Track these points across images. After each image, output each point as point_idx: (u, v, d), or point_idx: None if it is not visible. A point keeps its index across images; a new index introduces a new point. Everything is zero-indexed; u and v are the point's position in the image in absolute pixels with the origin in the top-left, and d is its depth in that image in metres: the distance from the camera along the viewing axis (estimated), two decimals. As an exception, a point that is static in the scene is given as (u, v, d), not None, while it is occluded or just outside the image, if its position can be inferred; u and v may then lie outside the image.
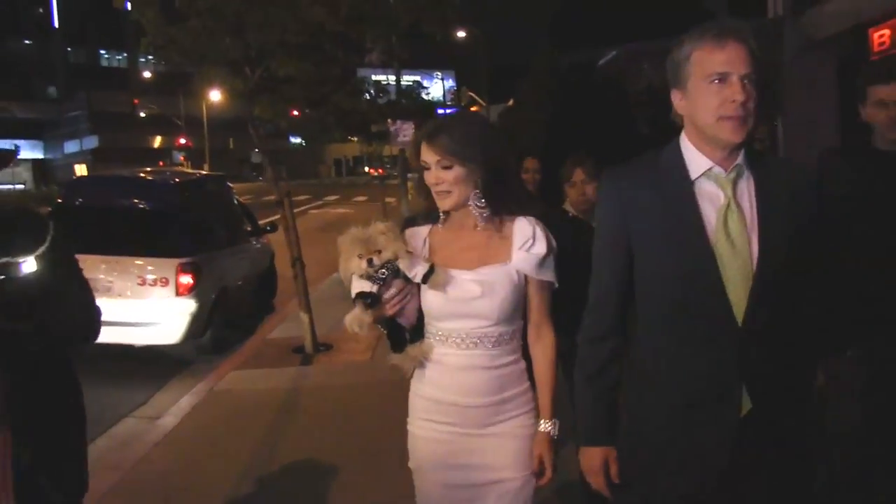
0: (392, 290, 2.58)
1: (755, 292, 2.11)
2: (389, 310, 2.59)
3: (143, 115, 65.93)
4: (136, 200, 8.65)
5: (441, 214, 2.63)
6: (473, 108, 42.80)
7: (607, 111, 16.03)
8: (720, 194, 2.16)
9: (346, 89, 8.49)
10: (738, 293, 2.11)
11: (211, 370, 7.65)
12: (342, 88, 8.40)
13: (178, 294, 7.78)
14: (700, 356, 2.15)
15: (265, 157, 7.70)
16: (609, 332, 2.32)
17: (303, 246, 8.32)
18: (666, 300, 2.21)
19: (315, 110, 8.31)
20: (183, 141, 63.84)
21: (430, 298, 2.57)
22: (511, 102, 23.88)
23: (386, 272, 2.57)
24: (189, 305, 7.83)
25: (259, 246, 11.01)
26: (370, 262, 2.53)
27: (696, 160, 2.19)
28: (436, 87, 78.66)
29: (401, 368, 2.67)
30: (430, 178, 2.58)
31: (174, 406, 6.54)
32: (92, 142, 68.32)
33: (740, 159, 2.17)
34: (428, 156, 2.56)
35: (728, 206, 2.14)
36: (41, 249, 2.37)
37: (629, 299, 2.30)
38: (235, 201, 10.81)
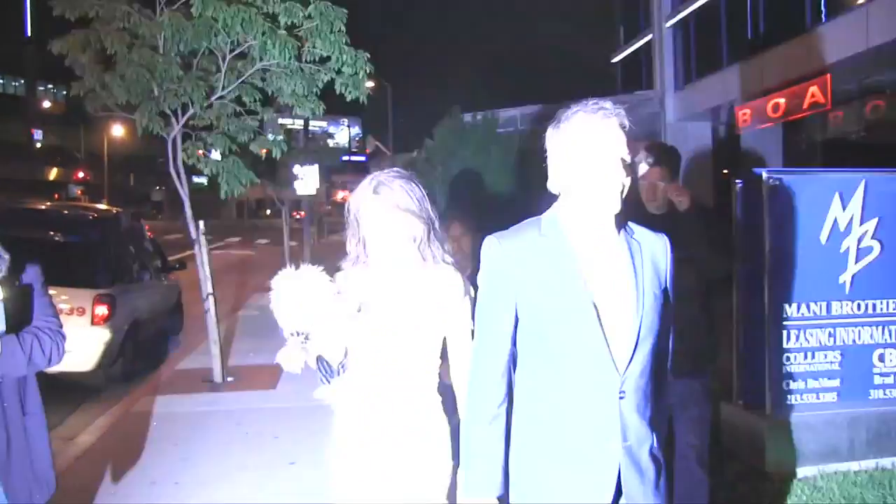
0: (323, 327, 2.76)
1: (635, 345, 2.28)
2: (320, 348, 2.79)
3: (39, 146, 64.35)
4: (53, 232, 9.05)
5: (375, 262, 2.82)
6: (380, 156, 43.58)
7: (505, 168, 17.03)
8: (600, 259, 2.32)
9: (261, 139, 9.07)
10: (618, 347, 2.26)
11: (122, 396, 8.06)
12: (257, 138, 8.97)
13: (93, 323, 8.18)
14: (583, 406, 2.28)
15: (186, 196, 8.20)
16: (496, 384, 2.39)
17: (198, 293, 8.84)
18: (552, 357, 2.32)
19: (229, 156, 8.87)
20: (81, 174, 62.50)
21: (360, 335, 2.76)
22: (415, 153, 24.73)
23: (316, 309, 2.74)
24: (103, 335, 8.24)
25: (167, 283, 11.43)
26: (300, 305, 2.72)
27: (575, 227, 2.34)
28: (342, 134, 79.27)
29: (324, 400, 2.85)
30: (370, 227, 2.76)
31: (91, 426, 6.95)
32: (-18, 171, 66.01)
33: (615, 228, 2.36)
34: (370, 206, 2.75)
35: (608, 269, 2.32)
36: (1, 275, 2.60)
37: (513, 349, 2.40)
38: (147, 238, 11.24)
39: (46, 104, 67.47)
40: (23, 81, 71.78)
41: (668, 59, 21.58)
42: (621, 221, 2.38)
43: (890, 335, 5.35)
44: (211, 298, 8.51)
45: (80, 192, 63.89)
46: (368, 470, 2.75)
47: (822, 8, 15.73)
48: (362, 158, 68.85)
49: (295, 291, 2.72)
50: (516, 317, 2.36)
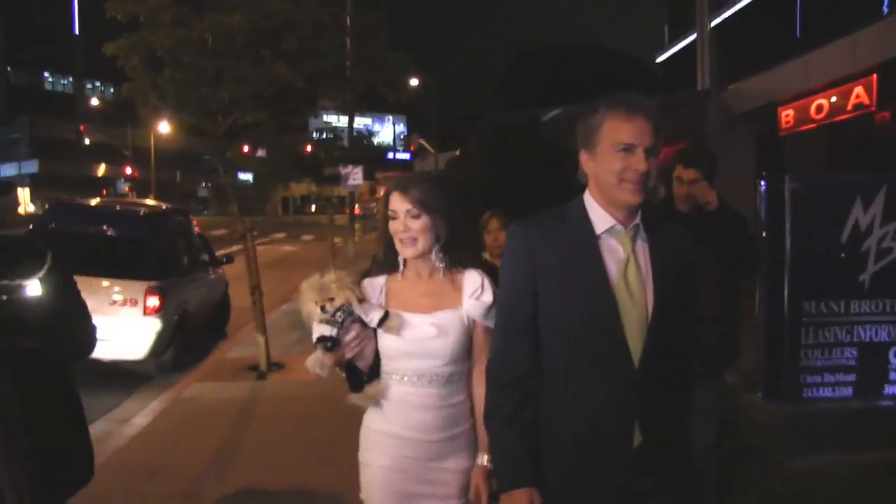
0: (351, 335, 2.78)
1: (650, 338, 2.34)
2: (348, 353, 2.80)
3: (87, 142, 65.66)
4: (108, 227, 9.51)
5: (400, 264, 2.86)
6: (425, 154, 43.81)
7: (545, 167, 17.24)
8: (621, 250, 2.39)
9: (303, 137, 9.43)
10: (634, 338, 2.34)
11: (173, 383, 8.47)
12: (300, 136, 9.34)
13: (145, 314, 8.60)
14: (600, 394, 2.35)
15: (234, 193, 8.59)
16: (520, 376, 2.42)
17: (246, 286, 9.23)
18: (569, 344, 2.38)
19: (273, 154, 9.24)
20: (129, 171, 63.67)
21: (388, 340, 2.78)
22: (458, 152, 25.01)
23: (342, 316, 2.77)
24: (155, 325, 8.65)
25: (214, 276, 11.85)
26: (323, 308, 2.75)
27: (600, 217, 2.41)
28: (386, 131, 79.78)
29: (359, 406, 2.89)
30: (397, 225, 2.78)
31: (145, 409, 7.37)
32: (32, 166, 67.47)
33: (638, 219, 2.41)
34: (398, 205, 2.77)
35: (628, 260, 2.38)
36: (39, 274, 2.64)
37: (536, 344, 2.43)
38: (196, 233, 11.68)
39: (94, 101, 68.78)
40: (71, 79, 73.48)
41: (710, 59, 21.62)
42: (648, 214, 2.45)
43: (906, 333, 5.53)
44: (257, 292, 8.88)
45: (127, 188, 65.18)
46: (397, 475, 2.79)
47: (866, 9, 15.67)
48: (407, 156, 69.17)
49: (317, 294, 2.77)
50: (537, 304, 2.40)
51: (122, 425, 6.96)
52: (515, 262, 2.45)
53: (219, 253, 12.36)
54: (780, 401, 5.52)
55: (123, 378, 8.69)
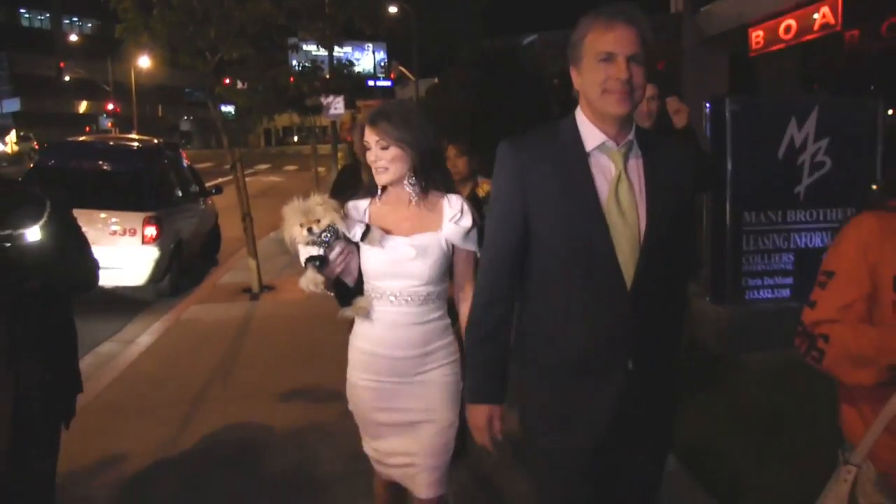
0: (336, 251, 2.89)
1: (642, 259, 2.26)
2: (336, 269, 2.93)
3: (67, 79, 65.01)
4: (105, 162, 9.97)
5: (379, 190, 2.98)
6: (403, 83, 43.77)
7: (523, 92, 17.62)
8: (612, 167, 2.30)
9: (286, 70, 9.84)
10: (626, 260, 2.26)
11: (172, 307, 9.07)
12: (284, 70, 9.74)
13: (143, 243, 9.13)
14: (590, 318, 2.29)
15: (222, 126, 9.04)
16: (501, 296, 2.42)
17: (236, 216, 9.77)
18: (559, 265, 2.32)
19: (259, 88, 9.68)
20: (111, 107, 63.21)
21: (370, 258, 2.91)
22: (437, 80, 25.25)
23: (329, 236, 2.87)
24: (153, 253, 9.18)
25: (205, 207, 12.34)
26: (310, 230, 2.84)
27: (590, 134, 2.31)
28: (366, 59, 79.08)
29: (349, 319, 3.01)
30: (370, 156, 2.90)
31: (148, 330, 7.97)
32: (13, 104, 66.75)
33: (631, 136, 2.32)
34: (370, 137, 2.89)
35: (619, 178, 2.29)
36: (40, 222, 2.77)
37: (521, 265, 2.40)
38: (186, 166, 12.13)
39: (73, 38, 67.93)
40: (48, 15, 72.25)
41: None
42: (640, 128, 2.40)
43: (840, 239, 6.12)
44: (248, 218, 9.42)
45: (110, 123, 64.70)
46: (381, 390, 2.96)
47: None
48: (388, 84, 68.80)
49: (303, 217, 2.87)
50: (526, 225, 2.35)
51: (128, 345, 7.55)
52: (504, 182, 2.38)
53: (208, 184, 12.84)
54: (725, 303, 6.15)
55: (125, 304, 9.27)
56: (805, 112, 5.95)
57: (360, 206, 3.00)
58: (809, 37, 16.57)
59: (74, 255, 2.99)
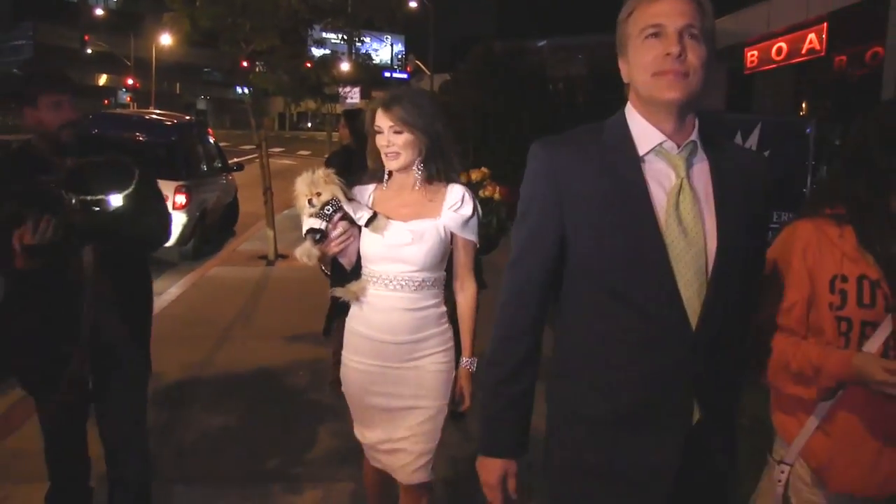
0: (338, 230, 2.89)
1: (711, 288, 1.85)
2: (334, 247, 2.92)
3: (89, 51, 65.94)
4: (141, 134, 11.08)
5: (385, 175, 2.97)
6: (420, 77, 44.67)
7: (532, 94, 18.64)
8: (671, 174, 1.89)
9: (309, 59, 10.94)
10: (690, 289, 1.84)
11: (195, 268, 10.18)
12: (307, 59, 10.84)
13: (173, 209, 10.17)
14: (644, 360, 1.88)
15: (252, 109, 10.14)
16: (528, 329, 2.02)
17: (253, 190, 10.85)
18: (603, 294, 1.90)
19: (280, 74, 10.84)
20: (130, 82, 64.14)
21: (368, 242, 2.91)
22: (449, 76, 26.26)
23: (330, 210, 2.87)
24: (181, 218, 10.24)
25: (226, 182, 13.44)
26: (310, 201, 2.86)
27: (644, 133, 1.91)
28: (384, 51, 79.94)
29: (342, 298, 3.04)
30: (381, 140, 2.88)
31: (174, 286, 9.07)
32: (35, 73, 67.81)
33: (694, 135, 1.90)
34: (382, 121, 2.87)
35: (681, 187, 1.87)
36: (129, 190, 2.96)
37: (553, 292, 2.03)
38: (212, 142, 13.24)
39: (99, 12, 68.91)
40: (76, -14, 73.28)
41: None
42: (706, 123, 1.96)
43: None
44: (269, 192, 10.54)
45: (128, 98, 65.60)
46: (373, 374, 2.98)
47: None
48: (404, 76, 69.61)
49: (307, 188, 2.89)
50: (562, 243, 1.94)
51: (157, 295, 8.62)
52: (536, 190, 1.97)
53: (231, 161, 13.93)
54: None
55: (151, 263, 10.36)
56: (749, 127, 7.02)
57: (365, 191, 3.02)
58: (798, 59, 17.73)
59: (153, 217, 3.29)
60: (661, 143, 1.90)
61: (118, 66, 64.81)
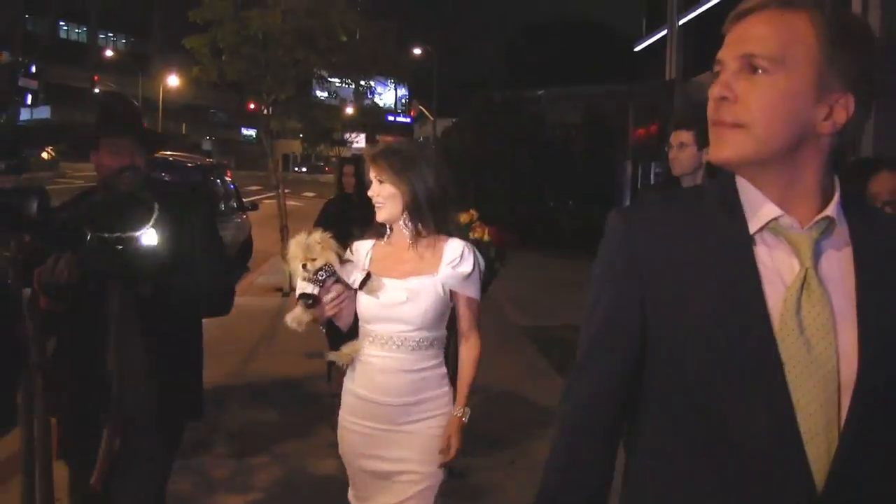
0: (331, 294, 2.84)
1: (847, 436, 1.27)
2: (329, 311, 2.86)
3: (97, 91, 67.29)
4: (168, 174, 12.12)
5: (388, 230, 2.94)
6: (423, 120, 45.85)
7: (528, 140, 19.79)
8: (792, 262, 1.33)
9: (321, 107, 12.10)
10: (812, 428, 1.27)
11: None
12: (320, 108, 12.00)
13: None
14: None
15: (270, 151, 11.25)
16: (592, 459, 1.48)
17: (266, 230, 11.83)
18: (693, 420, 1.35)
19: (297, 121, 12.01)
20: (137, 121, 65.08)
21: (364, 302, 2.85)
22: (453, 121, 27.47)
23: (323, 276, 2.82)
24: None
25: (241, 220, 14.46)
26: (304, 266, 2.80)
27: (756, 203, 1.35)
28: (388, 94, 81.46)
29: (337, 362, 3.00)
30: (371, 190, 2.89)
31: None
32: (43, 112, 69.20)
33: (832, 209, 1.33)
34: (371, 172, 2.88)
35: (804, 281, 1.31)
36: (148, 225, 2.79)
37: (626, 412, 1.48)
38: (229, 183, 14.30)
39: (108, 53, 70.45)
40: (85, 29, 74.88)
41: (677, 53, 24.21)
42: (852, 195, 1.39)
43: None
44: (286, 229, 11.62)
45: (136, 138, 66.55)
46: (368, 437, 2.89)
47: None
48: (407, 120, 70.92)
49: (302, 253, 2.84)
50: (642, 342, 1.42)
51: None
52: (610, 273, 1.47)
53: (246, 200, 15.00)
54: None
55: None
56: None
57: (363, 247, 3.00)
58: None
59: (204, 267, 2.98)
60: (778, 218, 1.34)
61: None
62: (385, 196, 2.84)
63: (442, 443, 2.86)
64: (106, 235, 2.73)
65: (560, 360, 8.21)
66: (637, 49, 29.57)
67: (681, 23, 24.29)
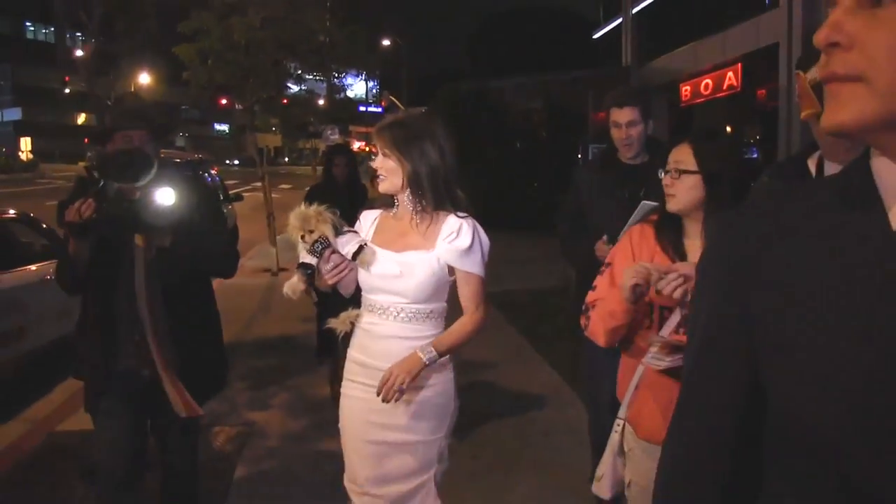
0: (329, 265, 2.87)
1: None
2: (329, 280, 2.88)
3: (67, 91, 67.33)
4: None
5: (396, 202, 2.90)
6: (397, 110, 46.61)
7: (492, 129, 20.88)
8: None
9: (300, 103, 13.31)
10: None
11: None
12: (297, 105, 13.20)
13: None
14: None
15: (255, 151, 12.42)
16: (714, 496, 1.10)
17: (248, 221, 12.96)
18: (832, 487, 0.95)
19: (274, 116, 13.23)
20: (110, 120, 64.99)
21: (361, 272, 2.88)
22: (423, 110, 28.40)
23: (320, 247, 2.86)
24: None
25: (226, 211, 15.52)
26: (302, 237, 2.88)
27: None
28: (359, 85, 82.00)
29: (336, 329, 3.00)
30: (376, 162, 2.87)
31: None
32: (14, 114, 68.77)
33: None
34: (376, 144, 2.86)
35: None
36: (149, 177, 2.99)
37: (744, 460, 1.08)
38: (214, 175, 15.40)
39: (79, 52, 70.48)
40: (52, 29, 74.62)
41: (632, 40, 25.59)
42: None
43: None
44: (272, 217, 12.79)
45: (108, 136, 66.63)
46: (370, 401, 2.81)
47: (736, 11, 19.79)
48: (378, 110, 71.40)
49: (300, 222, 2.88)
50: (755, 388, 1.03)
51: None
52: (709, 299, 1.09)
53: (232, 192, 16.06)
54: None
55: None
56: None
57: (370, 216, 3.01)
58: (720, 94, 20.38)
59: (208, 233, 3.24)
60: None
61: (98, 105, 66.09)
62: (387, 169, 2.83)
63: (387, 372, 2.75)
64: (116, 185, 3.00)
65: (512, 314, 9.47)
66: (595, 36, 30.90)
67: (635, 10, 25.67)
